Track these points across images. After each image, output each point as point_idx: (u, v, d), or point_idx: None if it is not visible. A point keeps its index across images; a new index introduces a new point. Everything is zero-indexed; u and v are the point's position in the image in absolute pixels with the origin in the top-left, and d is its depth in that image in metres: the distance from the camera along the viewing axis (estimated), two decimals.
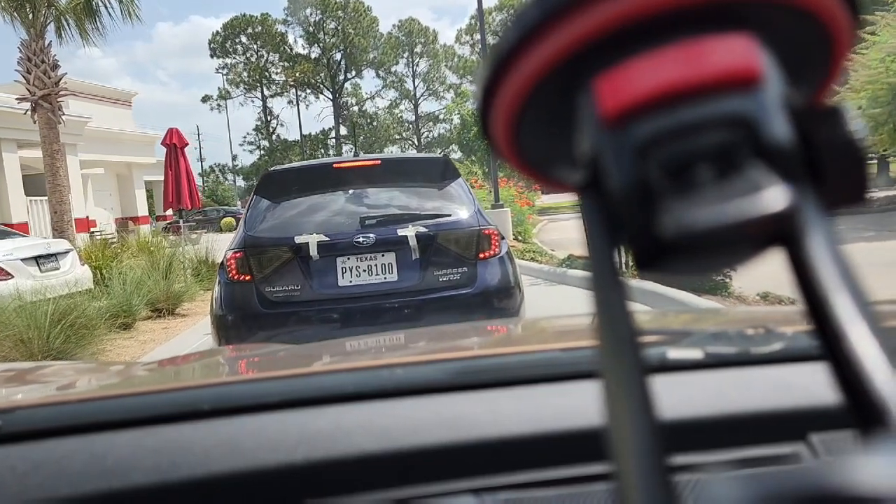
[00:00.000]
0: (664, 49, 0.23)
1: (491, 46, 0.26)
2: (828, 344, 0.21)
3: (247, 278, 3.52)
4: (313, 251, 3.49)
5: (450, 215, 3.70)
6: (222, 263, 3.65)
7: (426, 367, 0.86)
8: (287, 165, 4.22)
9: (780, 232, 0.22)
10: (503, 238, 3.78)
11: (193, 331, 6.52)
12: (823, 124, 0.24)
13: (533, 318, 3.61)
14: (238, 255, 3.56)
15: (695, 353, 0.77)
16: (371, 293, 3.53)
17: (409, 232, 3.56)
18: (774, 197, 0.22)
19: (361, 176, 3.88)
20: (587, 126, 0.25)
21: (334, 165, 3.98)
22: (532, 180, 0.30)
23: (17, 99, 12.55)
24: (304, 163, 4.33)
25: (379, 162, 3.97)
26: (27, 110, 12.14)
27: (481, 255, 3.61)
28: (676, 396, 0.71)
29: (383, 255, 3.57)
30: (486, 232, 3.65)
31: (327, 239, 3.52)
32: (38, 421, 0.71)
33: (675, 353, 0.76)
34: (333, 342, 1.61)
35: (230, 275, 3.55)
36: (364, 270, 3.56)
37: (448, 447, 0.67)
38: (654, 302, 5.79)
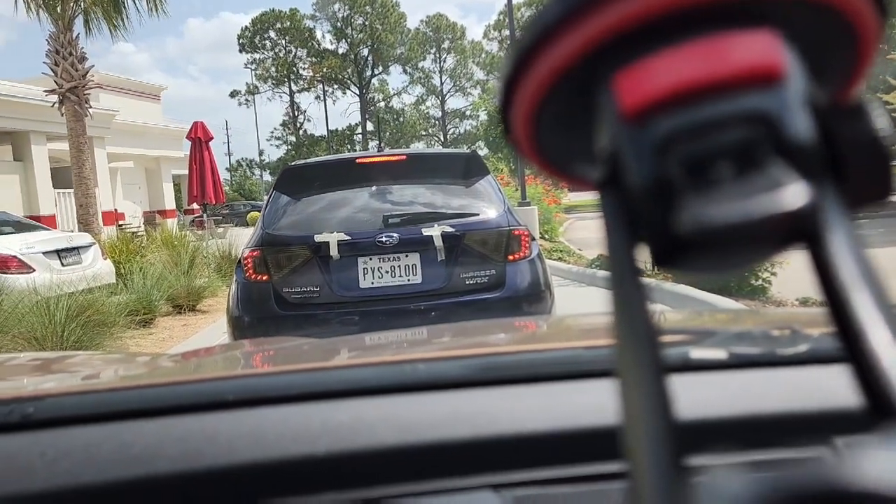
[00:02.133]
0: (685, 45, 0.23)
1: (512, 43, 0.23)
2: (848, 344, 0.21)
3: (264, 278, 3.37)
4: (334, 251, 3.32)
5: (477, 214, 3.51)
6: (239, 262, 3.51)
7: (448, 362, 0.86)
8: (308, 160, 4.04)
9: (801, 230, 0.22)
10: (534, 239, 3.57)
11: (213, 328, 6.40)
12: (847, 122, 0.23)
13: (557, 315, 3.45)
14: (255, 253, 3.40)
15: (719, 354, 0.76)
16: (393, 296, 3.35)
17: (435, 231, 3.36)
18: (794, 194, 0.22)
19: (385, 172, 3.69)
20: (607, 122, 0.25)
21: (357, 161, 3.79)
22: (552, 177, 0.30)
23: (44, 91, 12.60)
24: (326, 158, 4.17)
25: (404, 157, 3.79)
26: (55, 103, 12.18)
27: (510, 257, 3.41)
28: (699, 396, 0.70)
29: (407, 256, 3.38)
30: (516, 232, 3.44)
31: (348, 238, 3.35)
32: (67, 408, 0.72)
33: (698, 353, 0.76)
34: (356, 337, 1.61)
35: (247, 274, 3.40)
36: (386, 272, 3.38)
37: (468, 442, 0.67)
38: (684, 304, 5.58)
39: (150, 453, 0.65)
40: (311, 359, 1.20)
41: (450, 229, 3.38)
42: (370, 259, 3.37)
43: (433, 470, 0.66)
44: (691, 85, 0.23)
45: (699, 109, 0.23)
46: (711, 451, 0.64)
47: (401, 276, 3.38)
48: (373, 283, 3.36)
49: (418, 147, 50.28)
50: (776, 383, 0.73)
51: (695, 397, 0.70)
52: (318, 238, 3.34)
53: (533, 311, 3.41)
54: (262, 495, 0.64)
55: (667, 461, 0.20)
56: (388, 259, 3.38)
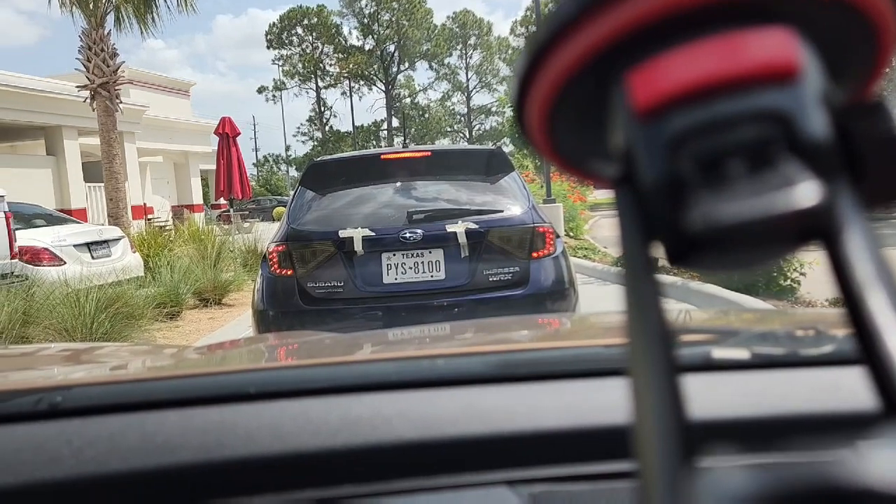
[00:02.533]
0: (700, 42, 0.23)
1: (528, 38, 0.26)
2: (863, 345, 0.21)
3: (289, 273, 3.40)
4: (358, 246, 3.34)
5: (502, 211, 3.50)
6: (265, 256, 3.55)
7: (467, 359, 0.86)
8: (333, 156, 4.07)
9: (816, 229, 0.22)
10: (558, 236, 3.55)
11: (239, 322, 6.47)
12: (865, 120, 0.23)
13: (579, 313, 3.43)
14: (280, 248, 3.44)
15: (741, 353, 0.76)
16: (417, 292, 3.35)
17: (459, 228, 3.36)
18: (806, 192, 0.21)
19: (410, 168, 3.70)
20: (621, 119, 0.24)
21: (382, 157, 3.81)
22: (567, 173, 0.30)
23: (76, 87, 12.81)
24: (351, 153, 4.20)
25: (429, 153, 3.81)
26: (86, 98, 12.38)
27: (535, 254, 3.40)
28: (721, 396, 0.70)
29: (430, 252, 3.39)
30: (541, 230, 3.43)
31: (372, 234, 3.37)
32: (94, 398, 0.74)
33: (720, 353, 0.75)
34: (377, 332, 1.62)
35: (272, 269, 3.44)
36: (410, 268, 3.38)
37: (485, 438, 0.67)
38: (711, 304, 5.52)
39: (172, 443, 0.66)
40: (332, 353, 1.21)
41: (474, 226, 3.38)
42: (394, 255, 3.38)
43: (450, 465, 0.66)
44: (705, 82, 0.22)
45: (713, 107, 0.22)
46: (729, 451, 0.63)
47: (424, 272, 3.39)
48: (396, 278, 3.37)
49: (443, 143, 50.33)
50: (799, 384, 0.72)
51: (716, 397, 0.70)
52: (343, 234, 3.36)
53: (557, 308, 3.39)
54: (281, 487, 0.65)
55: (676, 461, 0.20)
56: (412, 255, 3.39)
